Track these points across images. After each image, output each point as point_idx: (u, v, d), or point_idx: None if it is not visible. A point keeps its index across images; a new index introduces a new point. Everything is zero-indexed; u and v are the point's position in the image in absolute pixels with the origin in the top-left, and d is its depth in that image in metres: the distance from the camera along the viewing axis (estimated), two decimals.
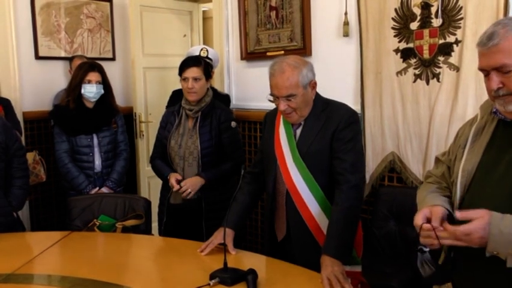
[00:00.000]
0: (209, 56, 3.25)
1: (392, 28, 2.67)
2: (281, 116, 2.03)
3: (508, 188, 1.30)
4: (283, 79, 1.86)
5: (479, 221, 1.22)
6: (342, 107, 1.99)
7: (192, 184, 2.54)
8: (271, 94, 1.93)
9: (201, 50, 3.26)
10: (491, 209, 1.28)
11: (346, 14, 2.88)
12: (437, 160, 1.63)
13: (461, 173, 1.41)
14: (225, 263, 1.70)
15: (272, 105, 2.16)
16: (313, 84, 1.95)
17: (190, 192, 2.54)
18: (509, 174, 1.31)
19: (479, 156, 1.39)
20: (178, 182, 2.57)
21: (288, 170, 1.95)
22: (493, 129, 1.39)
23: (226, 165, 2.64)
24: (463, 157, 1.43)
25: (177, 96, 2.78)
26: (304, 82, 1.89)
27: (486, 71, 1.31)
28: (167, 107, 3.19)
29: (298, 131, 1.98)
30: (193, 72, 2.60)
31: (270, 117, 2.14)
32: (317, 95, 2.00)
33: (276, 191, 2.03)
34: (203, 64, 2.68)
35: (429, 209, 1.39)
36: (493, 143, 1.38)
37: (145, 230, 2.51)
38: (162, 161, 2.70)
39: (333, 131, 1.91)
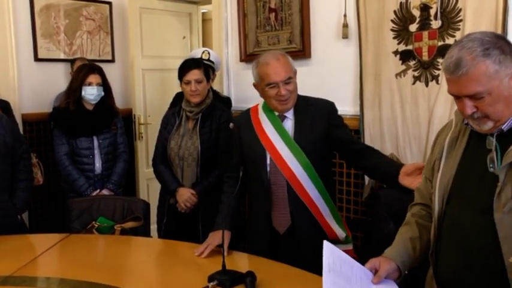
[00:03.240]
0: (211, 58, 3.25)
1: (392, 30, 2.67)
2: (259, 115, 2.13)
3: (483, 202, 1.30)
4: (281, 64, 2.00)
5: None
6: (320, 101, 2.15)
7: (185, 201, 2.60)
8: (269, 83, 2.00)
9: (203, 52, 3.26)
10: (471, 223, 1.33)
11: (345, 16, 2.88)
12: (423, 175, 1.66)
13: (439, 186, 1.43)
14: (224, 265, 1.70)
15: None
16: (296, 72, 2.09)
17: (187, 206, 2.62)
18: (482, 188, 1.32)
19: (454, 169, 1.40)
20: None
21: (285, 162, 2.03)
22: (466, 140, 1.40)
23: (218, 173, 2.62)
24: (440, 170, 1.44)
25: (181, 98, 2.79)
26: (294, 69, 2.06)
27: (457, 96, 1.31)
28: (170, 108, 3.19)
29: (287, 124, 2.08)
30: (195, 74, 2.60)
31: (242, 120, 2.23)
32: None
33: (272, 186, 2.08)
34: (203, 66, 2.68)
35: (379, 262, 1.46)
36: (467, 154, 1.39)
37: (144, 232, 2.50)
38: (165, 166, 2.70)
39: (327, 123, 2.06)
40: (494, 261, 1.27)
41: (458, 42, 1.30)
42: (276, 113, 2.10)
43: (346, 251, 1.96)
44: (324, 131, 2.05)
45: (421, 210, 1.59)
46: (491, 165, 1.29)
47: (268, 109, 2.12)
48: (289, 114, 2.09)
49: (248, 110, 2.23)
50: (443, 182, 1.42)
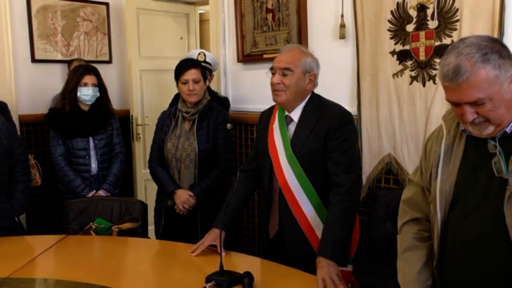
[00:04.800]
0: (207, 60, 3.25)
1: (389, 30, 2.68)
2: (276, 113, 2.05)
3: (490, 209, 1.28)
4: (288, 54, 1.95)
5: None
6: (336, 107, 2.00)
7: (183, 203, 2.58)
8: (270, 68, 1.97)
9: (199, 54, 3.26)
10: (479, 230, 1.30)
11: (342, 16, 2.88)
12: (408, 181, 1.61)
13: (439, 194, 1.39)
14: (221, 266, 1.69)
15: (268, 105, 2.17)
16: (311, 76, 1.97)
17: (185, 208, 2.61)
18: (490, 194, 1.29)
19: (454, 176, 1.37)
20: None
21: (280, 167, 1.95)
22: (463, 145, 1.37)
23: (215, 174, 2.62)
24: (438, 177, 1.40)
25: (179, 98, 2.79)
26: (304, 68, 1.94)
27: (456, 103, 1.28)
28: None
29: (292, 127, 1.99)
30: (192, 74, 2.60)
31: (266, 115, 2.16)
32: (315, 94, 2.03)
33: (271, 188, 2.04)
34: (200, 65, 2.69)
35: None
36: (466, 160, 1.36)
37: (142, 233, 2.50)
38: (162, 168, 2.69)
39: (326, 130, 1.91)
40: (507, 267, 1.25)
41: (453, 49, 1.26)
42: (286, 113, 2.01)
43: (344, 272, 1.86)
44: (322, 140, 1.92)
45: (420, 231, 1.52)
46: (496, 170, 1.26)
47: (281, 108, 2.04)
48: (295, 117, 1.99)
49: (274, 105, 2.12)
50: (444, 190, 1.38)
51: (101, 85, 2.96)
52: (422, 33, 2.55)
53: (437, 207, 1.39)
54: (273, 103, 2.11)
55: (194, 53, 3.33)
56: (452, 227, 1.38)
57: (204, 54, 3.27)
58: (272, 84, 1.95)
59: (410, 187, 1.58)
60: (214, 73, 3.47)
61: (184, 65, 2.64)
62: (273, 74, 1.95)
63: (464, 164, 1.36)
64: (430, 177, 1.45)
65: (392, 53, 2.68)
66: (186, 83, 2.59)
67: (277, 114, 2.05)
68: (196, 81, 2.59)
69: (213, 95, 3.12)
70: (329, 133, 1.91)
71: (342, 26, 2.89)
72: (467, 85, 1.21)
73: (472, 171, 1.34)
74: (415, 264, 1.48)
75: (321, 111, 1.96)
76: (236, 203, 2.10)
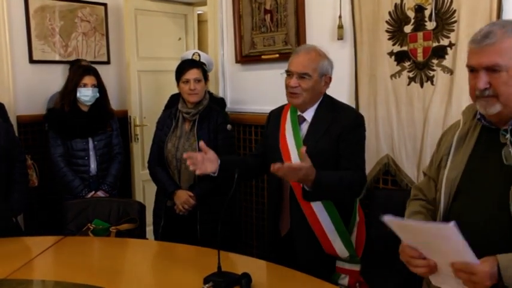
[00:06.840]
0: (202, 60, 3.26)
1: (387, 31, 2.68)
2: (288, 113, 2.08)
3: (495, 197, 1.30)
4: (305, 58, 1.97)
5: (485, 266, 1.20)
6: (349, 109, 2.08)
7: (183, 203, 2.58)
8: (287, 71, 1.99)
9: (193, 54, 3.27)
10: (485, 218, 1.31)
11: (340, 17, 2.88)
12: (424, 174, 1.65)
13: (445, 182, 1.42)
14: (219, 267, 1.69)
15: (270, 107, 2.17)
16: (327, 79, 2.02)
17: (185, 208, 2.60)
18: (495, 183, 1.32)
19: (463, 165, 1.40)
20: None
21: None
22: (476, 136, 1.40)
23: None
24: (447, 165, 1.43)
25: (175, 100, 2.79)
26: (321, 71, 1.98)
27: (474, 69, 1.33)
28: (165, 110, 3.19)
29: (304, 127, 2.02)
30: (194, 73, 2.62)
31: (275, 114, 2.19)
32: (326, 95, 2.07)
33: (282, 186, 2.06)
34: (201, 66, 2.70)
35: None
36: (477, 150, 1.39)
37: (140, 234, 2.50)
38: (162, 168, 2.69)
39: (339, 133, 1.96)
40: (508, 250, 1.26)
41: (492, 22, 1.37)
42: (298, 113, 2.05)
43: (352, 272, 1.96)
44: (335, 142, 1.96)
45: (427, 204, 1.56)
46: (506, 158, 1.30)
47: (293, 108, 2.07)
48: (308, 117, 2.02)
49: (283, 105, 2.16)
50: (451, 178, 1.41)
51: (100, 86, 2.96)
52: (420, 34, 2.56)
53: (442, 195, 1.43)
54: (272, 104, 2.12)
55: (189, 53, 3.34)
56: (454, 216, 1.39)
57: (199, 55, 3.28)
58: (289, 86, 1.98)
59: (423, 177, 1.64)
60: (211, 74, 3.47)
61: (186, 65, 2.67)
62: (289, 75, 1.98)
63: (474, 154, 1.40)
64: (438, 167, 1.49)
65: (390, 54, 2.68)
66: (187, 82, 2.60)
67: (289, 114, 2.08)
68: (197, 81, 2.61)
69: (209, 95, 3.13)
70: (342, 136, 1.96)
71: (340, 27, 2.89)
72: (491, 48, 1.29)
73: (482, 161, 1.38)
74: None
75: (335, 112, 2.01)
76: (241, 159, 2.13)
